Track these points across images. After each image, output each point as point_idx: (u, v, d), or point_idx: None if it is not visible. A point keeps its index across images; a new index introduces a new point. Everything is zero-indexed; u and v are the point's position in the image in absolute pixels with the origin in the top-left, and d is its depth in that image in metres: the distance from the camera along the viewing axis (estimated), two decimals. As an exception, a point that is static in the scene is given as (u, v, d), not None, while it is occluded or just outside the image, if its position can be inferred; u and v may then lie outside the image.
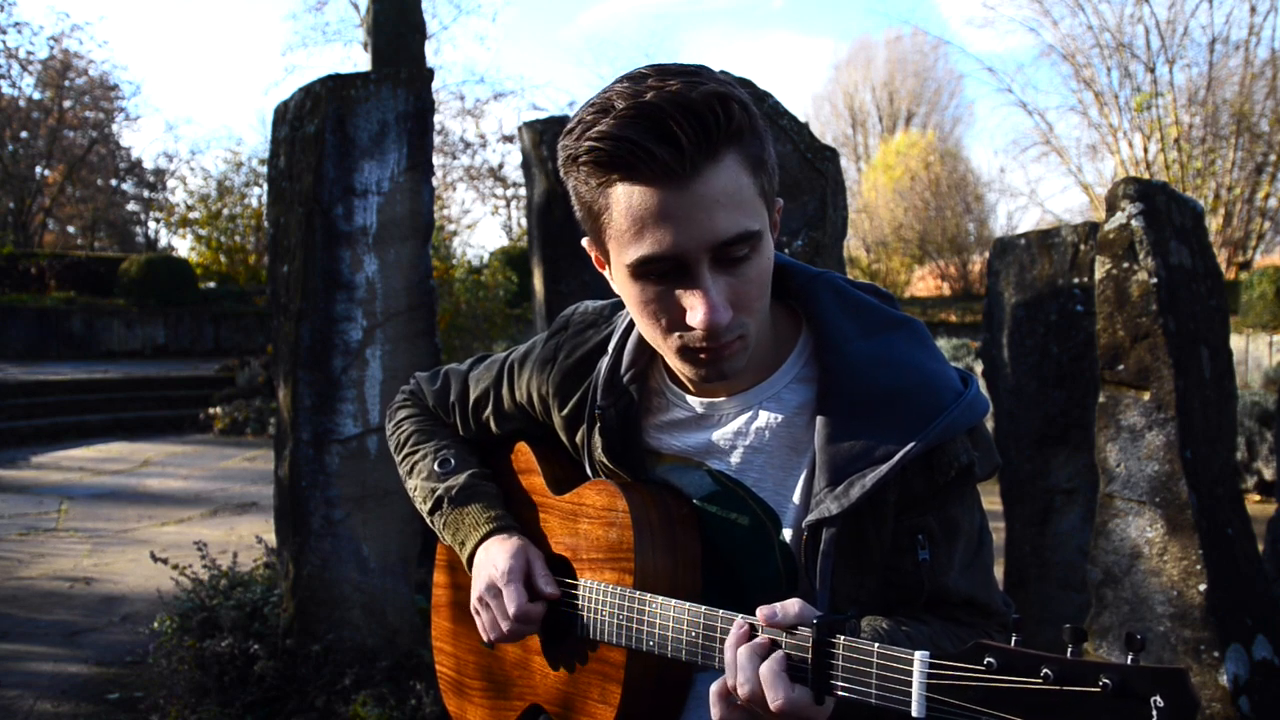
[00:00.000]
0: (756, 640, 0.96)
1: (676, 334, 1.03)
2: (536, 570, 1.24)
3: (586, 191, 1.01)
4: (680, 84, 0.94)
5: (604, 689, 1.17)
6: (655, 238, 0.97)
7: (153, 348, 17.93)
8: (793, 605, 0.95)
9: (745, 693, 0.94)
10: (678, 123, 0.93)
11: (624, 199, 0.97)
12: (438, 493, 1.35)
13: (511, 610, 1.20)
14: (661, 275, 1.00)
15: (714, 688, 0.99)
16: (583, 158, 0.98)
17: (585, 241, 1.10)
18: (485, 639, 1.28)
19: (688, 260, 0.98)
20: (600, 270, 1.11)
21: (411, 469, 1.42)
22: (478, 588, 1.26)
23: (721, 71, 1.08)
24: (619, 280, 1.05)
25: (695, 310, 0.99)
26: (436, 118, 8.13)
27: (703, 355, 1.03)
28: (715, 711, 0.99)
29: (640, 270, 1.00)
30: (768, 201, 1.02)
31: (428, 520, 1.38)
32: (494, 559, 1.25)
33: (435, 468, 1.38)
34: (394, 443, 1.48)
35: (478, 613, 1.28)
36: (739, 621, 0.99)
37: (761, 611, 0.96)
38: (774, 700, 0.92)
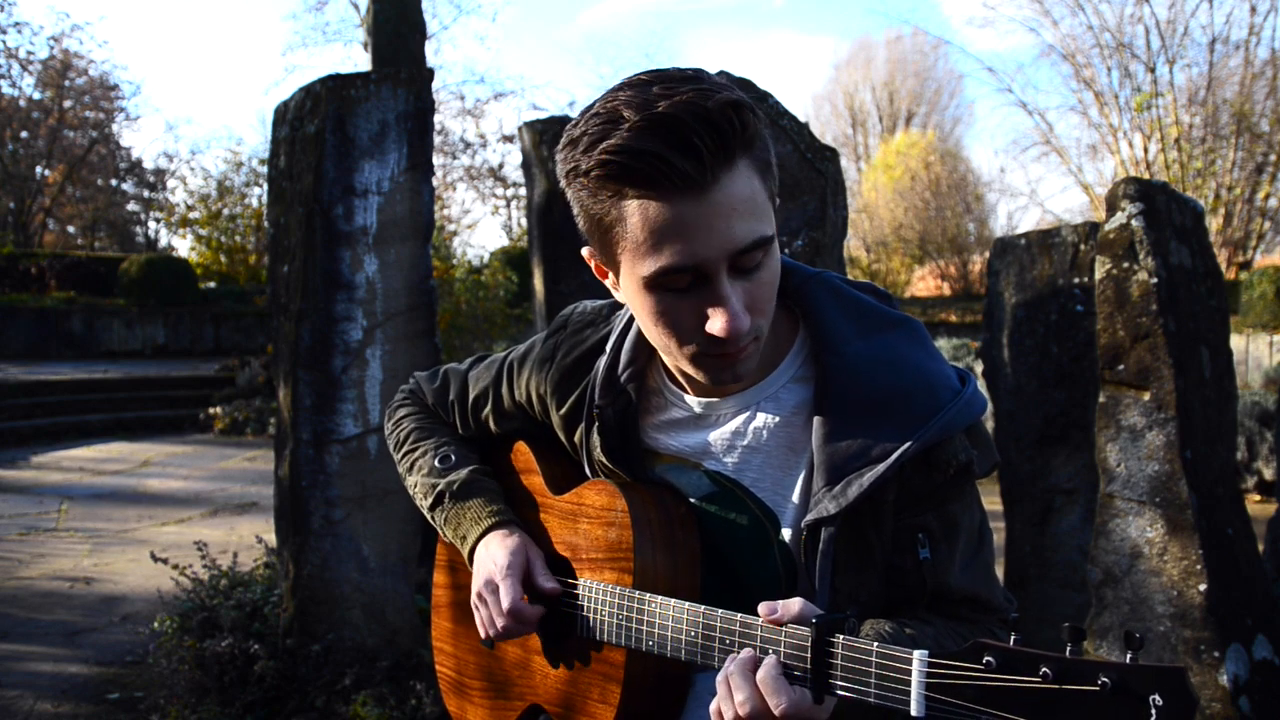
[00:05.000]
0: (743, 655, 0.97)
1: (693, 342, 1.02)
2: (536, 568, 1.24)
3: (594, 204, 0.99)
4: (693, 92, 0.93)
5: (604, 689, 1.18)
6: (675, 249, 0.96)
7: (153, 348, 17.92)
8: (794, 604, 0.96)
9: (746, 711, 0.94)
10: (697, 133, 0.92)
11: (639, 212, 0.96)
12: (439, 488, 1.35)
13: (505, 605, 1.21)
14: (679, 285, 0.99)
15: (711, 710, 0.99)
16: (594, 171, 0.96)
17: (586, 251, 1.10)
18: (483, 635, 1.28)
19: (708, 269, 0.97)
20: (600, 278, 1.11)
21: (412, 466, 1.41)
22: (477, 583, 1.26)
23: (720, 73, 1.08)
24: (629, 291, 1.04)
25: (716, 318, 0.99)
26: (436, 118, 8.12)
27: (719, 360, 1.03)
28: None
29: (657, 281, 0.99)
30: (774, 205, 1.03)
31: (428, 516, 1.38)
32: (494, 555, 1.25)
33: (436, 463, 1.37)
34: (393, 441, 1.47)
35: (476, 608, 1.28)
36: (747, 649, 0.99)
37: (763, 608, 0.96)
38: (777, 705, 0.92)
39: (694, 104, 0.92)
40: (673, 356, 1.07)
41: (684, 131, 0.92)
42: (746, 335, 1.01)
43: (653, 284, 1.00)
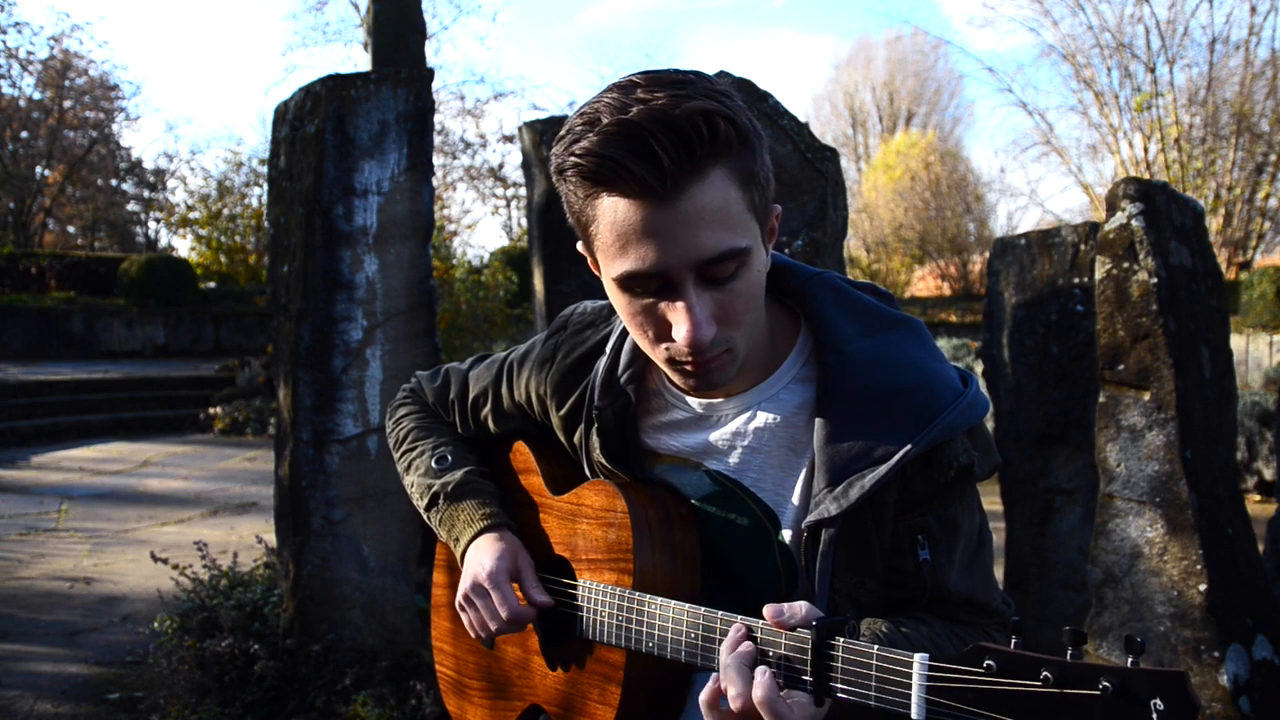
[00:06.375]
0: (743, 649, 0.97)
1: (663, 345, 1.03)
2: (527, 577, 1.24)
3: (576, 202, 1.00)
4: (666, 98, 0.92)
5: (604, 690, 1.17)
6: (639, 254, 0.96)
7: (153, 348, 17.92)
8: (800, 607, 0.95)
9: (739, 705, 0.95)
10: (658, 140, 0.91)
11: (609, 213, 0.96)
12: (434, 489, 1.35)
13: (504, 614, 1.21)
14: (647, 289, 0.99)
15: (703, 696, 0.99)
16: (568, 170, 0.98)
17: (580, 246, 1.10)
18: (473, 635, 1.28)
19: (672, 277, 0.97)
20: (596, 273, 1.11)
21: (409, 465, 1.42)
22: (464, 585, 1.27)
23: (720, 73, 1.08)
24: (608, 289, 1.05)
25: (679, 326, 0.98)
26: (436, 118, 8.13)
27: (689, 367, 1.03)
28: (707, 717, 0.99)
29: (625, 284, 1.00)
30: (759, 214, 1.01)
31: (424, 516, 1.39)
32: (481, 558, 1.26)
33: (433, 464, 1.38)
34: (393, 439, 1.48)
35: (463, 609, 1.28)
36: (737, 625, 0.99)
37: (768, 610, 0.96)
38: (762, 704, 0.93)
39: (661, 111, 0.91)
40: (652, 358, 1.08)
41: (645, 138, 0.91)
42: (713, 346, 1.00)
43: (622, 285, 1.00)
